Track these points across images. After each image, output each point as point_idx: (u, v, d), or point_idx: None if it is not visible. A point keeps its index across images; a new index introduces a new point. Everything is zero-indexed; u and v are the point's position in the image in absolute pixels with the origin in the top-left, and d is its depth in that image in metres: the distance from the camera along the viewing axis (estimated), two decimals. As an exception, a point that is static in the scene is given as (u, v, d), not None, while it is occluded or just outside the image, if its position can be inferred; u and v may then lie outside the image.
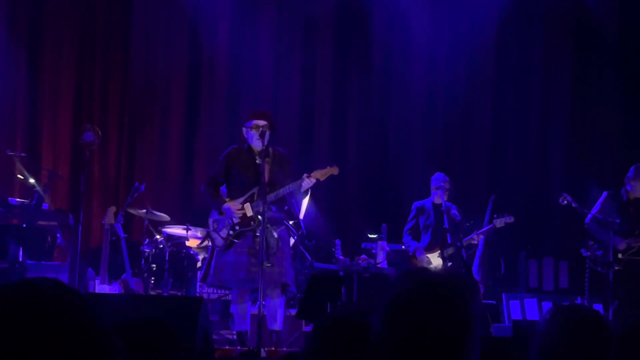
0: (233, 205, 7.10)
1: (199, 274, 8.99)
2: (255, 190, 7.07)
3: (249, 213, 7.07)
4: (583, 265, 8.70)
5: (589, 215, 8.52)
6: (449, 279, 1.74)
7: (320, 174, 7.04)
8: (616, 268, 8.27)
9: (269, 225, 6.93)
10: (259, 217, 6.93)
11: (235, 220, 7.09)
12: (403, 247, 9.06)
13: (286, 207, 7.34)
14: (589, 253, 8.53)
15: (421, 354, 1.64)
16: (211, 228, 7.27)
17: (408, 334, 1.65)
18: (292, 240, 8.21)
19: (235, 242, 7.10)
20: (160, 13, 10.98)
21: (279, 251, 7.01)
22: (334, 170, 7.13)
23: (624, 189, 8.51)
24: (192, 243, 9.29)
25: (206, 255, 9.22)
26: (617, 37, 11.57)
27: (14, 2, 10.54)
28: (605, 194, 8.58)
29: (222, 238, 7.14)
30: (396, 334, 1.66)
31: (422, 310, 1.66)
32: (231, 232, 7.11)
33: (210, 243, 7.51)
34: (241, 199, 7.12)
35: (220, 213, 7.19)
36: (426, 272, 1.80)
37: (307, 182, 6.94)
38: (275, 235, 7.00)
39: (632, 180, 8.42)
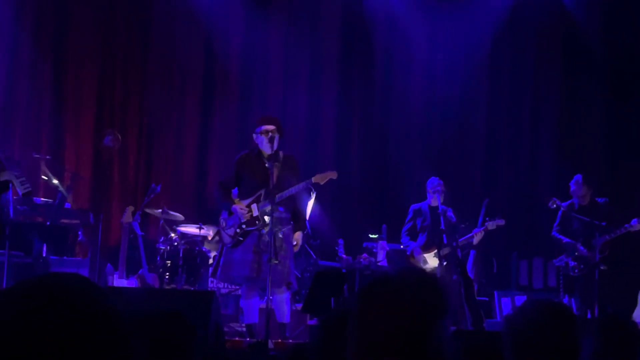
0: (240, 206, 7.39)
1: (210, 270, 9.35)
2: (262, 191, 7.32)
3: (255, 213, 7.33)
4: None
5: (554, 230, 9.01)
6: (410, 279, 1.76)
7: (321, 178, 7.38)
8: (602, 268, 8.61)
9: (276, 225, 7.13)
10: (265, 217, 7.22)
11: (242, 220, 7.33)
12: (402, 246, 9.13)
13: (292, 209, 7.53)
14: (561, 263, 9.00)
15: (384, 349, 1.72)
16: (221, 226, 7.56)
17: (370, 329, 1.73)
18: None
19: (241, 240, 7.33)
20: (177, 27, 11.03)
21: (284, 250, 7.19)
22: (333, 175, 7.47)
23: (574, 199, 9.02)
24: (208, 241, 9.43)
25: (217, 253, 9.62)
26: (604, 52, 11.64)
27: (40, 13, 10.57)
28: (563, 205, 9.06)
29: (230, 236, 7.38)
30: (363, 325, 1.75)
31: (380, 305, 1.73)
32: (238, 231, 7.33)
33: (220, 240, 7.74)
34: (248, 200, 7.39)
35: (230, 213, 7.45)
36: (389, 275, 1.80)
37: (306, 183, 7.33)
38: (280, 235, 7.21)
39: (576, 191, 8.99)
